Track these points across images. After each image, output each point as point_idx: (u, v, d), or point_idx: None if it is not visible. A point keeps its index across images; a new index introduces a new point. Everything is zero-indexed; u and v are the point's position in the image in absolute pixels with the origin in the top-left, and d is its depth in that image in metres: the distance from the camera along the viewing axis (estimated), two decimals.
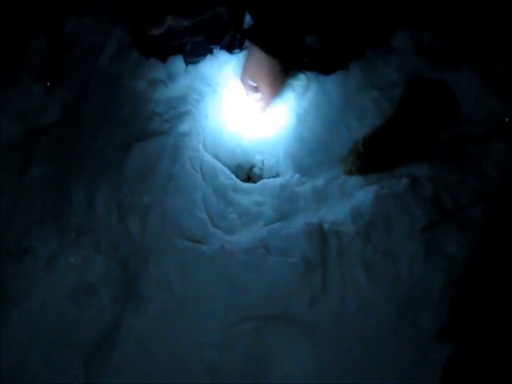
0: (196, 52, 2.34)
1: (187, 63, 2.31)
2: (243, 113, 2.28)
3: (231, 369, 1.67)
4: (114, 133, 2.13)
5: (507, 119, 2.00)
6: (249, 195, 2.06)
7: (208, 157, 2.12)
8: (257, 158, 2.26)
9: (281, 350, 1.67)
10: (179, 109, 2.16)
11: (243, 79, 2.20)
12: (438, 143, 2.00)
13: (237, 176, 2.17)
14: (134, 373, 1.69)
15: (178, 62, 2.31)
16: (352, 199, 1.89)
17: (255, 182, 2.18)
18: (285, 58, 2.13)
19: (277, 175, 2.18)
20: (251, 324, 1.71)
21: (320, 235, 1.76)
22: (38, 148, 2.22)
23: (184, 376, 1.67)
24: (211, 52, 2.36)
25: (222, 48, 2.37)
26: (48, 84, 2.41)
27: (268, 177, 2.18)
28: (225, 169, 2.14)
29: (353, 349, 1.66)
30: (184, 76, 2.29)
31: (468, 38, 2.22)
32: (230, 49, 2.39)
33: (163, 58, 2.34)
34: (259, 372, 1.66)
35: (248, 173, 2.26)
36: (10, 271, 1.90)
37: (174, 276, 1.78)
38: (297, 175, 2.05)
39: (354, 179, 1.96)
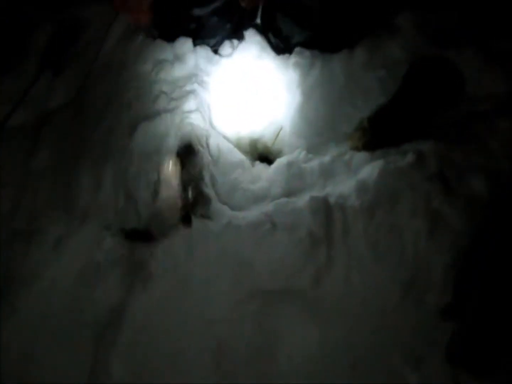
0: (212, 33, 2.37)
1: (195, 44, 2.32)
2: (250, 92, 2.30)
3: (239, 343, 1.68)
4: (119, 115, 2.15)
5: None
6: (258, 173, 2.06)
7: (215, 134, 2.12)
8: (266, 137, 2.25)
9: (287, 325, 1.68)
10: (186, 88, 2.16)
11: None
12: (443, 121, 1.99)
13: (245, 154, 2.17)
14: (143, 349, 1.71)
15: (185, 43, 2.32)
16: (358, 174, 1.89)
17: (267, 161, 2.18)
18: None
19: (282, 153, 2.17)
20: (258, 300, 1.71)
21: (325, 209, 1.76)
22: (46, 133, 2.24)
23: (193, 351, 1.68)
24: (226, 32, 2.39)
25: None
26: (55, 71, 2.45)
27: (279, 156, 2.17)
28: (232, 146, 2.14)
29: (358, 326, 1.67)
30: (190, 57, 2.29)
31: (471, 17, 2.21)
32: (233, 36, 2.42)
33: (170, 39, 2.35)
34: (266, 346, 1.66)
35: (259, 152, 2.25)
36: (21, 252, 1.93)
37: (181, 254, 1.79)
38: (303, 152, 2.05)
39: (360, 155, 1.96)
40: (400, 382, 1.58)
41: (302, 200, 1.83)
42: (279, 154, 2.18)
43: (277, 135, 2.20)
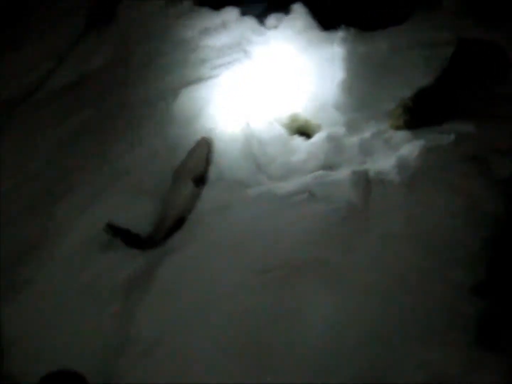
0: None
1: (243, 13, 2.34)
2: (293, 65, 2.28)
3: (262, 311, 1.65)
4: (160, 79, 2.17)
5: None
6: (297, 146, 2.06)
7: (256, 106, 2.12)
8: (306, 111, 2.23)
9: (310, 297, 1.64)
10: (230, 56, 2.18)
11: None
12: (487, 103, 1.97)
13: (285, 128, 2.16)
14: (170, 309, 1.69)
15: (232, 12, 2.34)
16: (398, 152, 1.88)
17: (306, 135, 2.17)
18: None
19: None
20: (283, 270, 1.68)
21: (366, 182, 1.77)
22: (87, 92, 2.26)
23: (218, 315, 1.66)
24: None
25: None
26: (98, 31, 2.46)
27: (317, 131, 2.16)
28: (272, 119, 2.14)
29: (382, 299, 1.63)
30: (237, 25, 2.31)
31: None
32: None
33: (217, 6, 2.38)
34: (287, 314, 1.63)
35: (298, 126, 2.22)
36: (54, 210, 1.95)
37: (215, 217, 1.80)
38: (344, 128, 2.05)
39: (401, 134, 1.96)
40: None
41: (341, 173, 1.83)
42: (318, 128, 2.17)
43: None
